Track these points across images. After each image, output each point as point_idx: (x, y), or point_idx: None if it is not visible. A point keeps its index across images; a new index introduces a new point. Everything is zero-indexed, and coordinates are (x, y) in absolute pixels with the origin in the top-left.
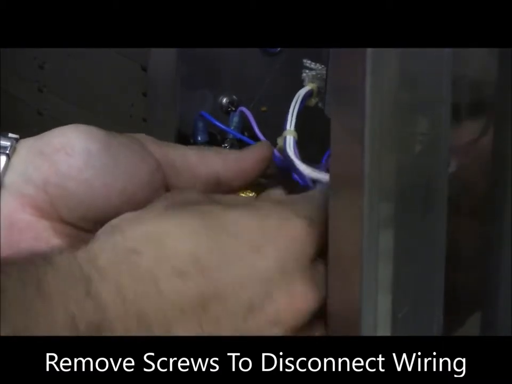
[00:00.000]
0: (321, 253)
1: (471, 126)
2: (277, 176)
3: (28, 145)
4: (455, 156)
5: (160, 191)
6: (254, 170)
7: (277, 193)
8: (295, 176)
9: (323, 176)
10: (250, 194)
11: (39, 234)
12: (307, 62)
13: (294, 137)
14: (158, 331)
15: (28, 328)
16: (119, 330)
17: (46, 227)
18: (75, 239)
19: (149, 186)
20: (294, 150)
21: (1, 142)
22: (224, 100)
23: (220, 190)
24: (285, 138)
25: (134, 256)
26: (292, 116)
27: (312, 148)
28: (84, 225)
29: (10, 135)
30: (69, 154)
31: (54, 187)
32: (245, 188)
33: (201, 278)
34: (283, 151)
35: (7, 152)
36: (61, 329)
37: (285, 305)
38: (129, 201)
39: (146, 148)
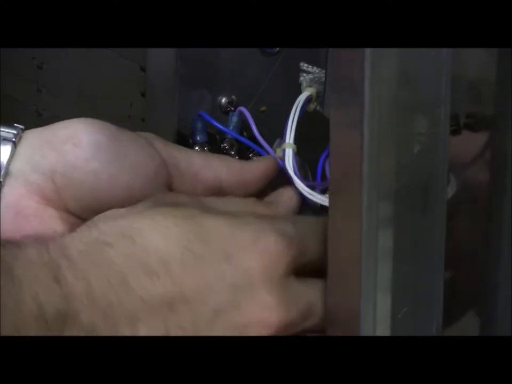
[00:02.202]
0: (308, 271)
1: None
2: (280, 180)
3: (35, 135)
4: (455, 170)
5: (163, 188)
6: (257, 183)
7: (288, 194)
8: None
9: (319, 197)
10: None
11: (45, 222)
12: (304, 65)
13: (293, 150)
14: (124, 327)
15: None
16: (85, 322)
17: (52, 215)
18: None
19: (154, 182)
20: (293, 165)
21: (7, 130)
22: (223, 100)
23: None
24: (283, 151)
25: (105, 248)
26: (291, 127)
27: (310, 151)
28: (89, 216)
29: (16, 125)
30: (76, 145)
31: (61, 176)
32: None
33: (169, 279)
34: (282, 163)
35: (13, 140)
36: (28, 314)
37: (250, 315)
38: (134, 195)
39: (153, 145)
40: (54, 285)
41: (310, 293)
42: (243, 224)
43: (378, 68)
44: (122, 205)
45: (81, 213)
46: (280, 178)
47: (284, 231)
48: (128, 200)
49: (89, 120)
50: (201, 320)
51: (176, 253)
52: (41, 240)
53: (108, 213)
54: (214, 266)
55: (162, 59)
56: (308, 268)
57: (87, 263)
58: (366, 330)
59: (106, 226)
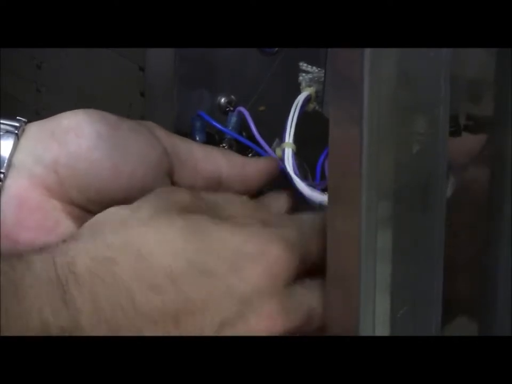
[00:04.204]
0: (305, 272)
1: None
2: (279, 179)
3: (37, 127)
4: (453, 171)
5: (165, 177)
6: (257, 180)
7: (279, 201)
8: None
9: (319, 197)
10: None
11: (48, 214)
12: (303, 65)
13: (292, 149)
14: None
15: (2, 328)
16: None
17: (56, 207)
18: (83, 222)
19: (156, 170)
20: (293, 165)
21: (10, 123)
22: (222, 100)
23: (219, 191)
24: (283, 150)
25: (112, 266)
26: (291, 127)
27: (310, 151)
28: (93, 207)
29: (18, 118)
30: (78, 136)
31: (64, 167)
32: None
33: (176, 293)
34: (282, 163)
35: (16, 132)
36: (33, 332)
37: (255, 325)
38: (137, 184)
39: (154, 134)
40: (60, 303)
41: (311, 297)
42: (250, 235)
43: (378, 68)
44: (126, 196)
45: (85, 203)
46: (280, 179)
47: (289, 238)
48: (131, 189)
49: (90, 111)
50: (206, 332)
51: (183, 267)
52: (46, 250)
53: (111, 213)
54: (221, 280)
55: (161, 59)
56: (310, 267)
57: (94, 280)
58: (366, 330)
59: (113, 238)
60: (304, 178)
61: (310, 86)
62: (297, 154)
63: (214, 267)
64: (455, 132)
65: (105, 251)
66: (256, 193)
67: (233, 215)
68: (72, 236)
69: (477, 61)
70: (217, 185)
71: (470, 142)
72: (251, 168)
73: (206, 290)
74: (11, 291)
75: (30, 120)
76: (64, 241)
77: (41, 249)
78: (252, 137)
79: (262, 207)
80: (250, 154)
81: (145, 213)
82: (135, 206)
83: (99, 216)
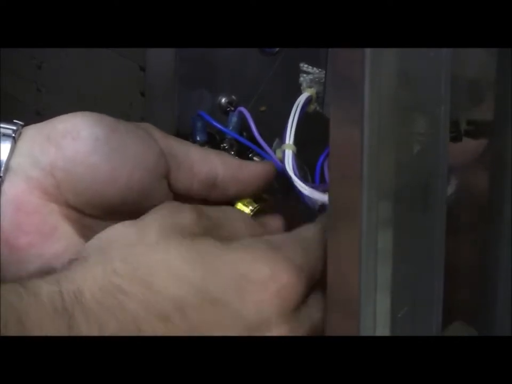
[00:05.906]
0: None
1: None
2: (279, 183)
3: (34, 130)
4: (454, 173)
5: (163, 179)
6: (252, 183)
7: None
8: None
9: (320, 196)
10: (251, 207)
11: (46, 218)
12: (304, 66)
13: (293, 151)
14: None
15: None
16: None
17: (53, 211)
18: (81, 225)
19: (153, 173)
20: (293, 167)
21: (7, 126)
22: (223, 100)
23: (215, 193)
24: (283, 152)
25: (120, 296)
26: (291, 128)
27: (310, 152)
28: (90, 211)
29: (15, 121)
30: (75, 139)
31: (61, 171)
32: (245, 199)
33: (183, 321)
34: (282, 165)
35: (13, 135)
36: None
37: None
38: (135, 187)
39: (151, 135)
40: (66, 331)
41: (315, 313)
42: (257, 260)
43: (378, 68)
44: (123, 198)
45: (82, 206)
46: (279, 181)
47: (297, 262)
48: (128, 192)
49: (87, 114)
50: None
51: (190, 296)
52: (53, 277)
53: (118, 234)
54: (229, 307)
55: (161, 59)
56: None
57: (101, 310)
58: (366, 330)
59: (119, 265)
60: (304, 179)
61: (310, 87)
62: (297, 156)
63: (221, 294)
64: (456, 137)
65: (112, 279)
66: (253, 198)
67: (238, 235)
68: (78, 258)
69: (477, 61)
70: (212, 187)
71: (471, 146)
72: (247, 171)
73: (213, 318)
74: (15, 321)
75: (30, 121)
76: (70, 263)
77: (48, 273)
78: (252, 138)
79: (263, 224)
80: (250, 155)
81: (153, 238)
82: (142, 227)
83: (105, 236)
